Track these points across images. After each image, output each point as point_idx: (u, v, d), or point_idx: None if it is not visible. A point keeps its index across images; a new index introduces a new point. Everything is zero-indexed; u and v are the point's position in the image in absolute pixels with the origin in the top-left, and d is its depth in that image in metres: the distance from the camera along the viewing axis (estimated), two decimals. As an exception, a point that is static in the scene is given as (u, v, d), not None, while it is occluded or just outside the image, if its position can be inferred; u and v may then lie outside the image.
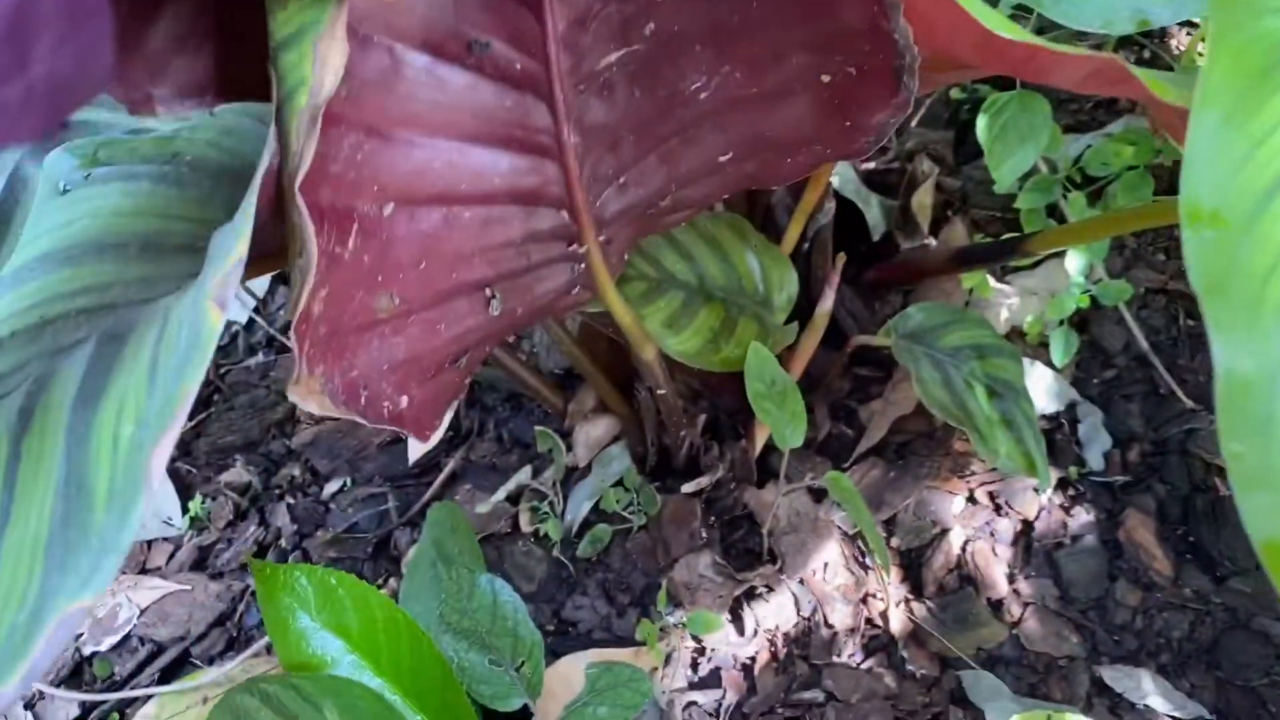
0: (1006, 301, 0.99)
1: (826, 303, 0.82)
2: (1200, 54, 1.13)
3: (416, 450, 1.01)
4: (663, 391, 0.80)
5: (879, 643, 0.83)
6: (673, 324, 0.74)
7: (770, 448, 0.90)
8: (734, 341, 0.76)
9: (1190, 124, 0.32)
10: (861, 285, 1.02)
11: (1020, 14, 1.18)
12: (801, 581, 0.85)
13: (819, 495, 0.90)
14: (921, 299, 1.00)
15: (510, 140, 0.56)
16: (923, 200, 1.04)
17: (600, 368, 0.89)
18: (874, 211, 1.03)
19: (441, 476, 0.98)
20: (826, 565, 0.86)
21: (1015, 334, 1.00)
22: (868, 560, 0.87)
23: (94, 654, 0.91)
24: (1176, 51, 1.19)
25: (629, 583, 0.88)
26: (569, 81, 0.55)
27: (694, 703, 0.81)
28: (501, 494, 0.89)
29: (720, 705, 0.80)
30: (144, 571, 0.98)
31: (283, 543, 0.98)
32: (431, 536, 0.89)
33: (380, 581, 0.93)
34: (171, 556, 0.98)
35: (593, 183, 0.62)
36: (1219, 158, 0.32)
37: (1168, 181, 1.01)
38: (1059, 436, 0.93)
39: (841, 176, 1.03)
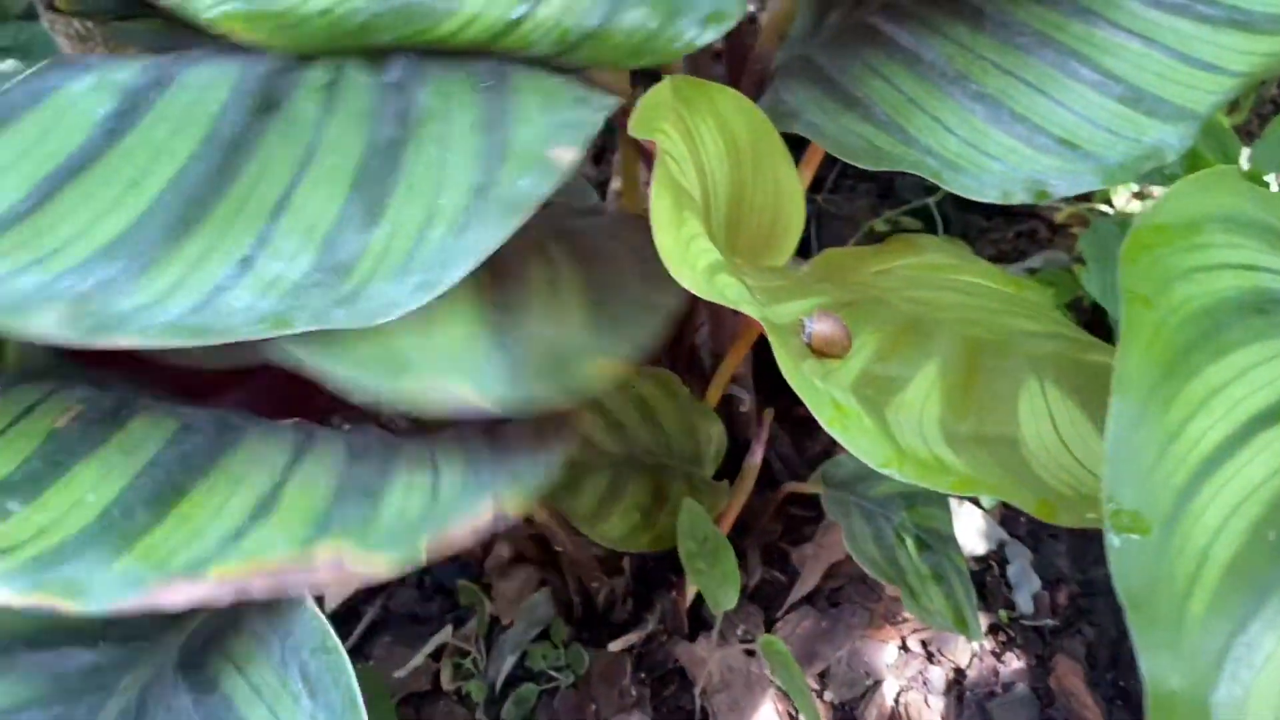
0: (934, 438, 0.99)
1: (755, 457, 0.81)
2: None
3: (335, 597, 0.97)
4: (568, 549, 0.78)
5: (814, 807, 0.81)
6: (600, 510, 0.72)
7: (703, 597, 0.88)
8: (668, 511, 0.73)
9: (1109, 413, 0.32)
10: (790, 420, 1.01)
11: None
12: (734, 741, 0.83)
13: (753, 648, 0.88)
14: (850, 437, 0.99)
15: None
16: (850, 335, 1.04)
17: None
18: (802, 346, 1.03)
19: (360, 627, 0.94)
20: (759, 723, 0.83)
21: (943, 470, 1.00)
22: (803, 717, 0.85)
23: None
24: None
25: (556, 745, 0.84)
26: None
27: None
28: (419, 658, 0.85)
29: None
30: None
31: (190, 702, 0.92)
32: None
33: (294, 745, 0.88)
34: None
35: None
36: (1137, 453, 0.31)
37: (1087, 320, 1.03)
38: (989, 579, 0.93)
39: (769, 311, 1.03)
